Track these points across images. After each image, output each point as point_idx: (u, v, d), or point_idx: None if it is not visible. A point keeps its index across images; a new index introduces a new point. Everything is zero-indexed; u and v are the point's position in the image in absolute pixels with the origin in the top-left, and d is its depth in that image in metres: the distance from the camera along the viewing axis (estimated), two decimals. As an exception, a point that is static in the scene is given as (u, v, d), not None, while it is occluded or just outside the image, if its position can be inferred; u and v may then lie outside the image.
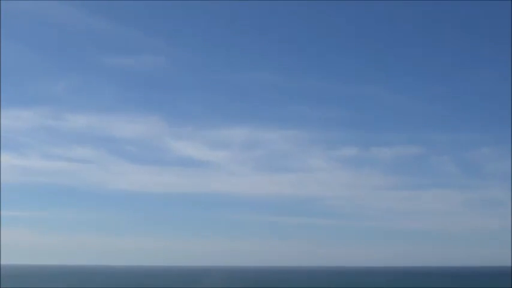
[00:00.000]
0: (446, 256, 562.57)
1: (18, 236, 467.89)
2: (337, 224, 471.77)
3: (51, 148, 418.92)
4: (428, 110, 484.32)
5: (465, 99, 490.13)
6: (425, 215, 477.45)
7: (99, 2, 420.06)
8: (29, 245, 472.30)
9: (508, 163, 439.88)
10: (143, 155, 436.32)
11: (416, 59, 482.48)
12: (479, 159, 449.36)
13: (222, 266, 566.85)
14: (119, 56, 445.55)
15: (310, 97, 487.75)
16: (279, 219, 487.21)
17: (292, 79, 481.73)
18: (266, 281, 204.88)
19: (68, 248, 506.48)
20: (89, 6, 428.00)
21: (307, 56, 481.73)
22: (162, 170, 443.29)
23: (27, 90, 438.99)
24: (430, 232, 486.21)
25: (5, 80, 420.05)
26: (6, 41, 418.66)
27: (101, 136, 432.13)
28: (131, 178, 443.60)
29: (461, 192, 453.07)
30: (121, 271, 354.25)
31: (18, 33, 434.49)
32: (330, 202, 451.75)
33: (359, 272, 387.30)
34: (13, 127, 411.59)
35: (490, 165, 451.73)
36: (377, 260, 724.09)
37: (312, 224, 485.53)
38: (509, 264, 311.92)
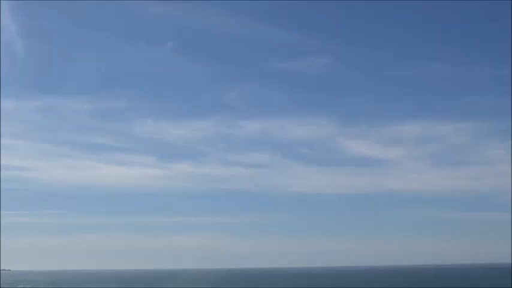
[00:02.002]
0: None
1: (196, 241, 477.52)
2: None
3: (228, 155, 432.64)
4: None
5: None
6: None
7: (262, 9, 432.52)
8: (209, 249, 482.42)
9: None
10: (317, 156, 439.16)
11: None
12: None
13: (404, 266, 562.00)
14: (285, 60, 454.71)
15: (483, 86, 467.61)
16: (459, 216, 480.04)
17: (463, 68, 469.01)
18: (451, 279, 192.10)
19: (247, 251, 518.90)
20: (252, 14, 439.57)
21: (475, 43, 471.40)
22: (337, 170, 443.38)
23: (202, 101, 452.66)
24: None
25: (181, 92, 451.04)
26: (181, 55, 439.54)
27: (275, 140, 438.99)
28: (306, 180, 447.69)
29: None
30: (301, 272, 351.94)
31: (192, 47, 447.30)
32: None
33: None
34: (191, 136, 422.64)
35: None
36: None
37: (494, 219, 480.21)
38: None
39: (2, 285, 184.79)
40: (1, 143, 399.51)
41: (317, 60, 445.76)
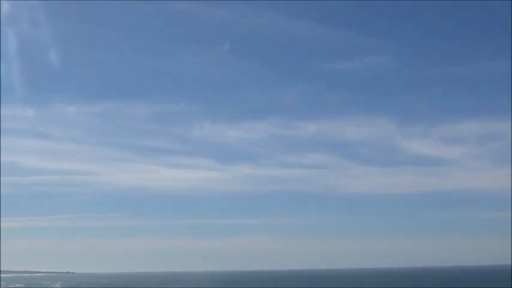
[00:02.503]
0: None
1: (256, 243, 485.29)
2: None
3: (286, 156, 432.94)
4: None
5: None
6: None
7: (317, 10, 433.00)
8: (269, 250, 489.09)
9: None
10: (375, 156, 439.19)
11: None
12: None
13: (472, 266, 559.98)
14: (342, 60, 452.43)
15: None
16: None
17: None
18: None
19: (307, 252, 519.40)
20: (307, 15, 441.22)
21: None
22: (396, 170, 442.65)
23: (259, 103, 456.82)
24: None
25: (238, 94, 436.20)
26: (238, 57, 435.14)
27: (333, 141, 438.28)
28: (365, 181, 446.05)
29: None
30: (362, 273, 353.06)
31: (248, 48, 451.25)
32: None
33: None
34: (248, 138, 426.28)
35: None
36: None
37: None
38: None
39: (67, 287, 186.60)
40: (62, 148, 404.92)
41: (374, 59, 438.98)
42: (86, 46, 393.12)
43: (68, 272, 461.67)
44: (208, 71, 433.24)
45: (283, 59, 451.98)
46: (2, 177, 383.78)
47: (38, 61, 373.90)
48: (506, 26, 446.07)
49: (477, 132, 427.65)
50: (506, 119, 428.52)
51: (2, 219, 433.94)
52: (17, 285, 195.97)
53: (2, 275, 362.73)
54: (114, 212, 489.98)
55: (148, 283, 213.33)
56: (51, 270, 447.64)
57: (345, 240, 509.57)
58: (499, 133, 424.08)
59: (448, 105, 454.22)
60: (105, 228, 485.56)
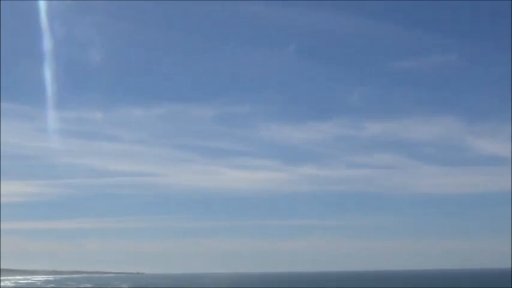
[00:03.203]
0: None
1: (322, 244, 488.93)
2: None
3: (352, 156, 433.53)
4: None
5: None
6: None
7: (382, 8, 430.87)
8: (336, 251, 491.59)
9: None
10: (444, 156, 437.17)
11: None
12: None
13: None
14: (409, 59, 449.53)
15: None
16: None
17: None
18: None
19: (374, 253, 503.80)
20: (372, 14, 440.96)
21: None
22: (465, 170, 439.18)
23: (324, 103, 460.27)
24: None
25: (303, 95, 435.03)
26: (303, 58, 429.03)
27: (399, 141, 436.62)
28: (432, 180, 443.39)
29: None
30: (431, 274, 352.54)
31: (314, 49, 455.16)
32: None
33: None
34: (314, 139, 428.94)
35: None
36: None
37: None
38: None
39: (137, 286, 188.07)
40: (130, 150, 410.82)
41: (441, 58, 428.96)
42: (151, 49, 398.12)
43: (138, 273, 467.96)
44: (273, 72, 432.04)
45: (349, 59, 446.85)
46: (75, 180, 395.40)
47: (105, 65, 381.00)
48: None
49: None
50: None
51: (75, 220, 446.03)
52: (87, 285, 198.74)
53: (73, 276, 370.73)
54: (180, 213, 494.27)
55: (216, 283, 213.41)
56: (121, 271, 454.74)
57: (411, 241, 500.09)
58: None
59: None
60: (171, 229, 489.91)
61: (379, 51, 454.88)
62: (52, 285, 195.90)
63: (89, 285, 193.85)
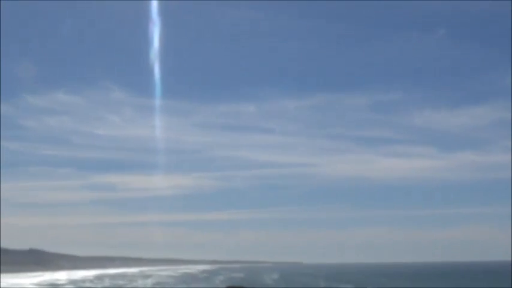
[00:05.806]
0: None
1: (478, 232, 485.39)
2: None
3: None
4: None
5: None
6: None
7: None
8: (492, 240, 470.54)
9: None
10: None
11: None
12: None
13: None
14: None
15: None
16: None
17: None
18: None
19: None
20: None
21: None
22: None
23: (479, 87, 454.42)
24: None
25: (457, 80, 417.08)
26: (454, 42, 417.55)
27: None
28: None
29: None
30: None
31: (465, 32, 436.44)
32: None
33: None
34: (471, 124, 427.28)
35: None
36: None
37: None
38: None
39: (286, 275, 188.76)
40: (284, 142, 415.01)
41: None
42: (300, 39, 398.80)
43: (296, 262, 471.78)
44: (425, 57, 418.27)
45: (501, 41, 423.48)
46: (230, 171, 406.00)
47: (258, 59, 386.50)
48: None
49: None
50: None
51: (233, 211, 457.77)
52: (238, 274, 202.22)
53: (230, 266, 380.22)
54: (336, 203, 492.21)
55: (368, 274, 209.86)
56: (278, 261, 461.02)
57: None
58: None
59: None
60: (326, 219, 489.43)
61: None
62: (205, 275, 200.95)
63: (239, 275, 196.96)
